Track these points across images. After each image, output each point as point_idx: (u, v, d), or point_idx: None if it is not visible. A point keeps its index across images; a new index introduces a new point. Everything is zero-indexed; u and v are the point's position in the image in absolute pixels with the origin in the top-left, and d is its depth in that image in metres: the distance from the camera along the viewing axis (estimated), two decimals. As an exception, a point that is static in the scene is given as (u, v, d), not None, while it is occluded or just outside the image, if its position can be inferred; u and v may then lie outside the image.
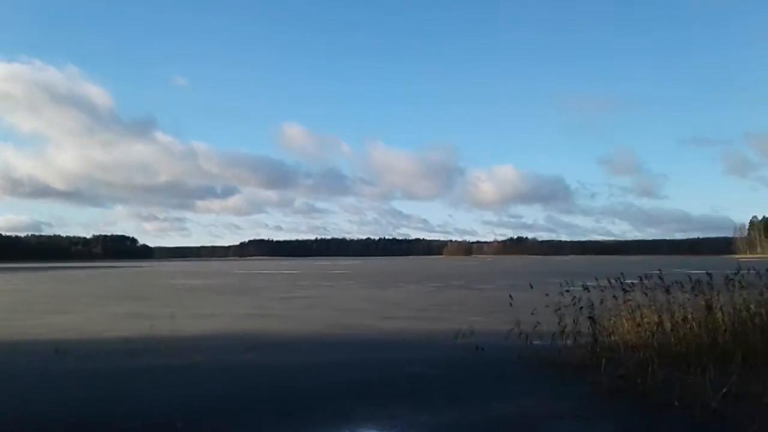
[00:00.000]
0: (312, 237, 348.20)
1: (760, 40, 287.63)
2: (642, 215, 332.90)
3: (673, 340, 8.16)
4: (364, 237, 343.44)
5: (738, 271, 8.99)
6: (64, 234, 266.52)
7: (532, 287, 11.92)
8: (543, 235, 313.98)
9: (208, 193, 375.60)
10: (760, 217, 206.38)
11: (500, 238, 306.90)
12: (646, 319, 8.66)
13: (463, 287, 29.34)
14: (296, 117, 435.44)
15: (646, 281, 9.25)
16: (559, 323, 8.70)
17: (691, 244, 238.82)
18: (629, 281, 9.35)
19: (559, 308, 8.71)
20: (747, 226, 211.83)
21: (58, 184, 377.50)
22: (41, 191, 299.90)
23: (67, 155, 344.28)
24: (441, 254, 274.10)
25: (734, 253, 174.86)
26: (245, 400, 6.66)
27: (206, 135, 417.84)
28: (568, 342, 8.54)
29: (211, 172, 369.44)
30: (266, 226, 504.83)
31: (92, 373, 8.35)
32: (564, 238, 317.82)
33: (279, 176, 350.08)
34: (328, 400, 6.57)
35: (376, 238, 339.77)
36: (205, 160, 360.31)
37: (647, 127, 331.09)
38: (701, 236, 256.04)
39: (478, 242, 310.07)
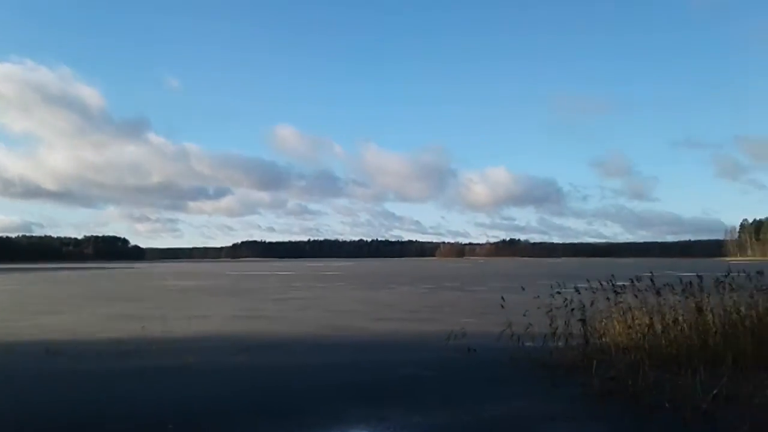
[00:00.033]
0: (305, 238, 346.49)
1: (752, 43, 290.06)
2: (633, 218, 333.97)
3: (664, 342, 8.20)
4: (356, 238, 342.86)
5: (728, 274, 9.04)
6: (55, 235, 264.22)
7: (524, 289, 11.98)
8: (535, 237, 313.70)
9: (200, 194, 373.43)
10: (750, 220, 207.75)
11: (492, 240, 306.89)
12: (637, 321, 8.71)
13: (456, 289, 29.39)
14: (289, 118, 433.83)
15: (637, 283, 9.29)
16: (550, 325, 8.76)
17: (683, 247, 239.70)
18: (620, 283, 9.39)
19: (551, 310, 8.76)
20: (738, 229, 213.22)
21: (50, 185, 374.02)
22: (32, 192, 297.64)
23: (58, 156, 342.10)
24: (433, 256, 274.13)
25: (725, 255, 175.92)
26: (238, 401, 6.65)
27: (199, 136, 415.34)
28: (560, 344, 8.59)
29: (203, 173, 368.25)
30: (259, 227, 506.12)
31: (84, 375, 8.32)
32: (556, 240, 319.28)
33: (271, 177, 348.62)
34: (321, 402, 6.57)
35: (369, 239, 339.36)
36: (197, 161, 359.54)
37: (639, 130, 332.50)
38: (692, 239, 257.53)
39: (470, 244, 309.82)
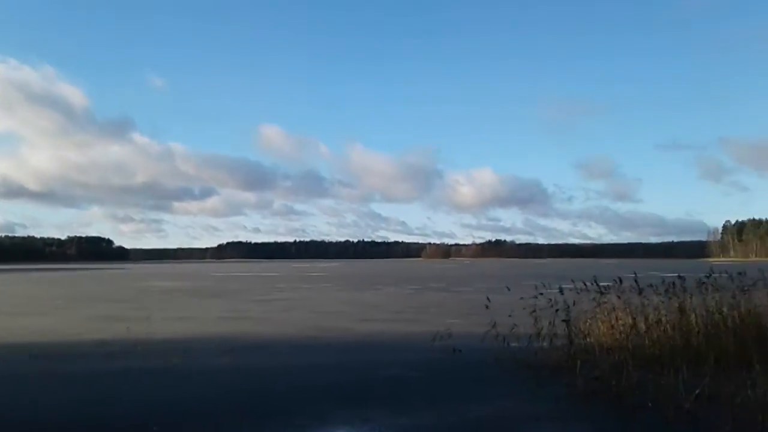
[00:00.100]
0: (290, 239, 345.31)
1: (735, 46, 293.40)
2: (618, 219, 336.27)
3: (647, 342, 8.28)
4: (342, 239, 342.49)
5: (711, 275, 9.13)
6: (38, 235, 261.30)
7: (509, 290, 12.05)
8: (521, 238, 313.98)
9: (185, 194, 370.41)
10: (733, 222, 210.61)
11: (478, 241, 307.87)
12: (620, 322, 8.78)
13: (441, 290, 29.44)
14: (274, 118, 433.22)
15: (620, 284, 9.36)
16: (535, 325, 8.80)
17: (666, 248, 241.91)
18: (604, 284, 9.46)
19: (535, 310, 8.81)
20: (720, 230, 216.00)
21: (32, 185, 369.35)
22: (15, 192, 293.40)
23: (41, 155, 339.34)
24: (419, 257, 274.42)
25: (708, 256, 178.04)
26: (223, 402, 6.62)
27: (184, 136, 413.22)
28: (545, 344, 8.63)
29: (188, 173, 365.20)
30: (244, 228, 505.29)
31: (68, 376, 8.24)
32: (541, 241, 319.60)
33: (257, 178, 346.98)
34: (306, 403, 6.56)
35: (355, 240, 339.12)
36: (182, 161, 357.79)
37: (622, 132, 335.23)
38: (676, 240, 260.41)
39: (456, 245, 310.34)
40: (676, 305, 8.63)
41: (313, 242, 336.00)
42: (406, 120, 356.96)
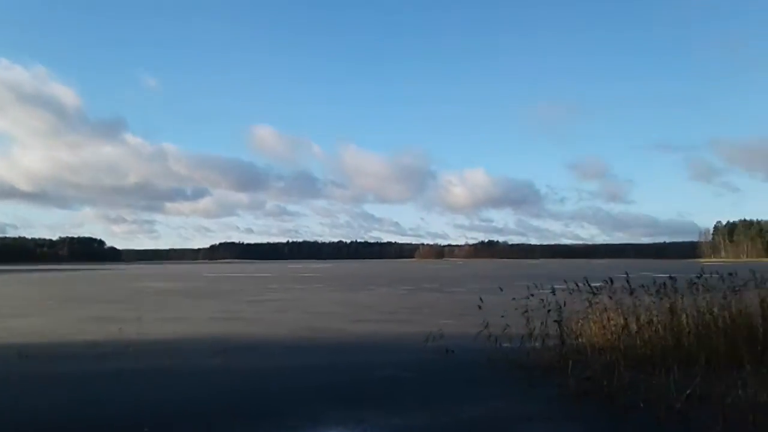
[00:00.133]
0: (283, 240, 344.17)
1: (726, 48, 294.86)
2: (610, 220, 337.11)
3: (638, 342, 8.31)
4: (335, 240, 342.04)
5: (701, 275, 9.18)
6: (29, 236, 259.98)
7: (501, 290, 12.05)
8: (513, 239, 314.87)
9: (177, 195, 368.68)
10: (724, 222, 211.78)
11: (471, 242, 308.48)
12: (612, 322, 8.82)
13: (434, 290, 29.46)
14: (267, 119, 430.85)
15: (612, 285, 9.39)
16: (527, 326, 8.82)
17: (658, 248, 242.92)
18: (596, 284, 9.50)
19: (527, 311, 8.84)
20: (711, 231, 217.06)
21: (24, 185, 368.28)
22: (6, 192, 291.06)
23: (33, 156, 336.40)
24: (413, 257, 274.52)
25: (699, 257, 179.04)
26: (215, 403, 6.61)
27: (176, 137, 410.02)
28: (537, 344, 8.66)
29: (180, 173, 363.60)
30: (237, 228, 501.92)
31: (59, 377, 8.20)
32: (534, 241, 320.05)
33: (250, 178, 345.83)
34: (299, 404, 6.55)
35: (348, 241, 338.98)
36: (174, 161, 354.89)
37: (614, 132, 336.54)
38: (667, 240, 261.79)
39: (449, 245, 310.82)
40: (668, 306, 8.66)
41: (306, 243, 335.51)
42: (399, 121, 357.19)
